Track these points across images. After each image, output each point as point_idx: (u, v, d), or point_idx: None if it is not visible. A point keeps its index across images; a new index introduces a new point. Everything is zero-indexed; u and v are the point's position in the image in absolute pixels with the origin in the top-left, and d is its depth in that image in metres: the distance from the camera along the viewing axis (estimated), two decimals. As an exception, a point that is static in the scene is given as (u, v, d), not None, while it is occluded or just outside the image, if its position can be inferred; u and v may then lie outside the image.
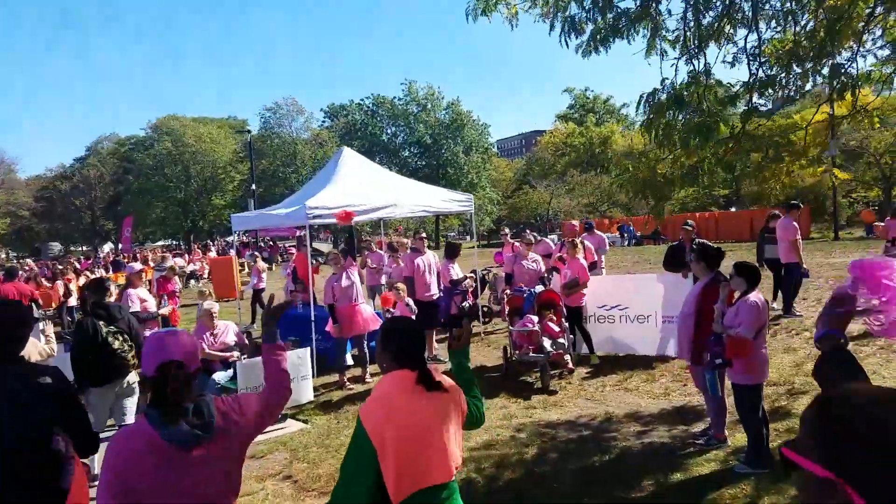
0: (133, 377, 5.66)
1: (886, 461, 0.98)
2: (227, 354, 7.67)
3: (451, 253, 9.03)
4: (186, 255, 30.28)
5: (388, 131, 59.15)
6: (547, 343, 7.77)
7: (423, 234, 9.92)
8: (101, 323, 5.40)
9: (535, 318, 7.97)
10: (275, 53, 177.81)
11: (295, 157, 49.17)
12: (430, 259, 9.26)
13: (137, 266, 8.27)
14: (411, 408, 2.45)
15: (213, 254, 31.53)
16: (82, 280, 16.13)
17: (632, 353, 8.94)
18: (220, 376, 7.47)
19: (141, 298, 8.16)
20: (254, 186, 36.97)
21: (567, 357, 8.02)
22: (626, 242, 38.97)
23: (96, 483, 2.33)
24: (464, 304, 8.88)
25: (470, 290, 9.04)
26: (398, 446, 2.36)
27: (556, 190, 50.48)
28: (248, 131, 41.68)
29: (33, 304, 11.28)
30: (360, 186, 10.50)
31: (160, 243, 58.90)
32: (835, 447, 1.03)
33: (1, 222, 55.85)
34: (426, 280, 9.05)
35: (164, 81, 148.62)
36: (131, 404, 5.72)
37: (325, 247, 57.64)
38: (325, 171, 11.41)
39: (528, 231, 10.52)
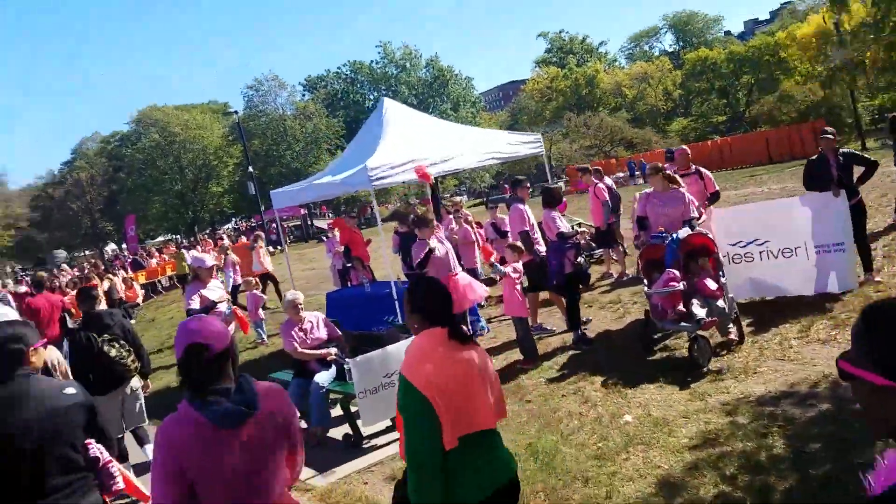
0: (136, 383, 5.73)
1: None
2: (324, 352, 6.23)
3: (552, 200, 7.38)
4: (198, 248, 28.59)
5: (371, 96, 57.11)
6: (698, 308, 5.96)
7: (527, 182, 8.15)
8: (94, 333, 5.39)
9: (682, 274, 6.20)
10: (242, 31, 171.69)
11: (285, 133, 46.87)
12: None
13: (209, 260, 6.88)
14: (451, 359, 2.51)
15: (227, 242, 30.03)
16: (106, 284, 15.00)
17: (783, 294, 7.39)
18: (323, 378, 6.04)
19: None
20: (251, 168, 34.94)
21: (731, 326, 6.28)
22: (642, 179, 37.60)
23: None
24: (579, 260, 7.24)
25: (584, 242, 7.42)
26: (446, 395, 2.41)
27: (554, 137, 48.64)
28: (235, 112, 39.22)
29: (66, 314, 10.66)
30: (418, 138, 8.87)
31: (160, 239, 56.92)
32: (888, 356, 1.06)
33: (4, 234, 53.65)
34: (533, 235, 7.50)
35: (135, 73, 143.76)
36: (140, 407, 5.77)
37: (325, 223, 56.23)
38: (368, 129, 9.70)
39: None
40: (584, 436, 4.98)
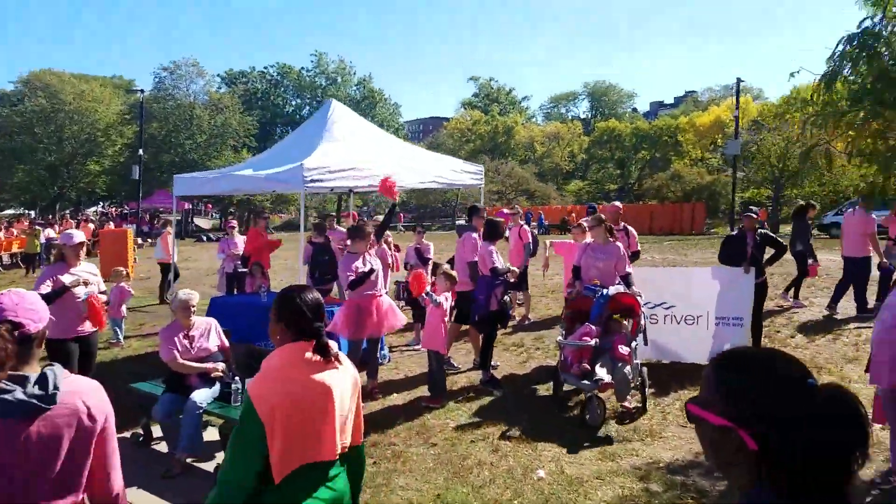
0: None
1: (766, 405, 1.11)
2: (210, 366, 5.47)
3: (494, 233, 7.20)
4: (56, 227, 26.02)
5: (293, 103, 55.93)
6: (600, 368, 5.84)
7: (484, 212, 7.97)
8: None
9: (597, 330, 6.16)
10: (165, 7, 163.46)
11: (191, 121, 44.44)
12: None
13: (78, 236, 5.62)
14: (306, 381, 2.33)
15: (91, 225, 27.78)
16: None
17: (680, 360, 7.59)
18: (202, 397, 5.29)
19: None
20: (141, 151, 33.01)
21: (631, 395, 6.12)
22: (537, 231, 38.84)
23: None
24: (505, 299, 7.08)
25: (512, 280, 7.27)
26: (288, 421, 2.24)
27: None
28: (141, 91, 36.80)
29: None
30: (362, 147, 8.51)
31: (11, 211, 50.70)
32: (728, 397, 1.16)
33: None
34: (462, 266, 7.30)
35: (38, 30, 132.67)
36: None
37: (206, 223, 53.75)
38: (307, 128, 9.20)
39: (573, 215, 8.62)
40: (496, 489, 4.70)
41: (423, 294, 6.72)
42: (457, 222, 45.57)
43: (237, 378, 5.41)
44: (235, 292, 11.02)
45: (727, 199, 38.95)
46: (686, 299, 7.66)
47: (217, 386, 5.49)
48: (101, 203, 57.09)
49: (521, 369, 7.80)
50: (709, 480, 4.77)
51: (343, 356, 2.52)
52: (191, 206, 42.02)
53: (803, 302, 10.79)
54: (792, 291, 10.74)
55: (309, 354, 2.35)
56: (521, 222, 10.56)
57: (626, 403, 6.16)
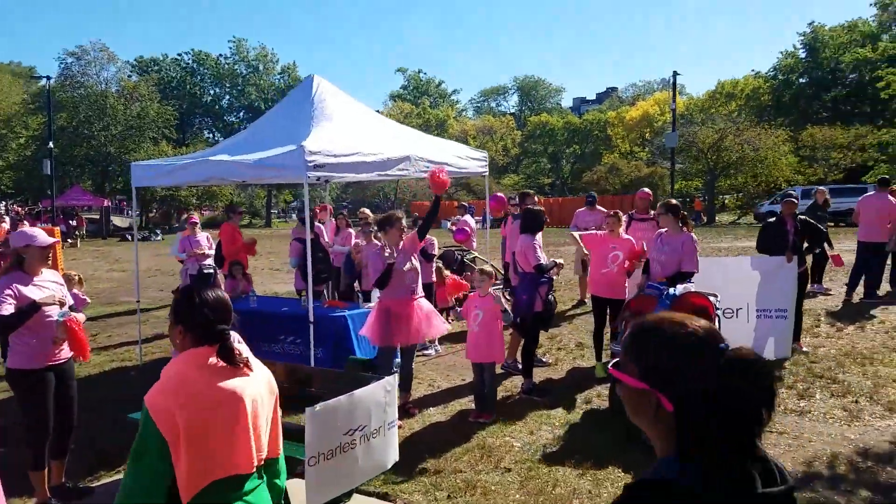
0: None
1: (679, 368, 1.19)
2: None
3: (534, 225, 6.38)
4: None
5: (211, 92, 53.24)
6: None
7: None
8: None
9: None
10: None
11: (104, 111, 41.15)
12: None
13: (42, 237, 4.09)
14: (212, 389, 2.10)
15: (6, 225, 25.02)
16: None
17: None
18: None
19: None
20: (51, 144, 30.55)
21: None
22: (481, 226, 38.41)
23: None
24: (549, 298, 6.30)
25: (556, 277, 6.51)
26: (195, 435, 2.02)
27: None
28: (47, 78, 33.72)
29: None
30: (362, 132, 7.52)
31: None
32: (644, 362, 1.23)
33: None
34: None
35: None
36: None
37: (123, 221, 50.43)
38: (291, 107, 8.02)
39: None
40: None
41: (454, 308, 5.88)
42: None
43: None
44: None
45: (665, 190, 39.67)
46: (724, 291, 7.10)
47: None
48: (5, 201, 52.70)
49: (554, 373, 7.08)
50: (841, 490, 4.19)
51: (256, 361, 2.30)
52: (110, 204, 38.97)
53: (826, 288, 10.68)
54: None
55: (213, 360, 2.14)
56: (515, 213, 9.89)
57: None
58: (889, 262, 10.24)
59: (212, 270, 10.02)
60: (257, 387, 2.25)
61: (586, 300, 10.59)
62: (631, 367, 1.26)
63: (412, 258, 5.90)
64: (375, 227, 9.51)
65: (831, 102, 48.99)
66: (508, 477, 4.62)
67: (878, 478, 4.42)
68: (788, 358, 7.03)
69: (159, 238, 33.22)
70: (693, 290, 5.73)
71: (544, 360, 7.35)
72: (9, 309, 3.95)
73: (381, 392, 4.28)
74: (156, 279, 16.31)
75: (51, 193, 33.11)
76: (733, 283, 7.14)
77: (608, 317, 6.97)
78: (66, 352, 4.35)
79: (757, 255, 7.51)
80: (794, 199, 7.52)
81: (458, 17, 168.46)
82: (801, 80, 52.37)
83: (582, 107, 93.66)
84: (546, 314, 6.33)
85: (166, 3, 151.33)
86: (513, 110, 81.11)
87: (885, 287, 10.26)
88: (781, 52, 55.25)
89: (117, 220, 48.09)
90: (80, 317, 4.37)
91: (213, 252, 9.94)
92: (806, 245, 7.46)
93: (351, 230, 10.27)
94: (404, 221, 6.11)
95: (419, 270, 5.98)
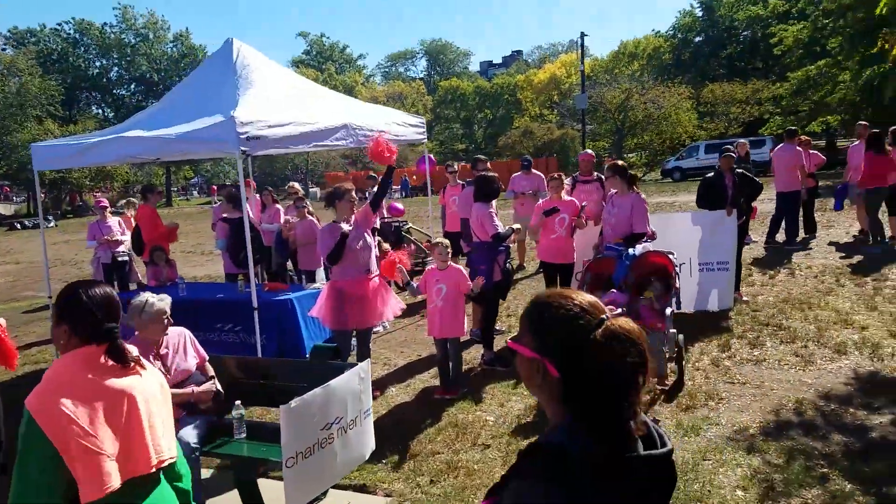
0: None
1: (563, 338, 1.27)
2: (200, 390, 4.00)
3: (489, 192, 6.13)
4: None
5: (98, 63, 49.59)
6: None
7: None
8: None
9: (625, 297, 5.35)
10: None
11: (-24, 90, 37.36)
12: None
13: None
14: (101, 389, 2.02)
15: None
16: None
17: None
18: (192, 434, 3.92)
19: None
20: None
21: (667, 366, 5.30)
22: (405, 194, 38.03)
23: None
24: (507, 266, 6.12)
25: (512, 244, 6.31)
26: (84, 439, 1.92)
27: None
28: None
29: None
30: (293, 100, 7.00)
31: None
32: (536, 333, 1.32)
33: None
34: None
35: None
36: None
37: (5, 208, 46.49)
38: (209, 74, 7.34)
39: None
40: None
41: (405, 282, 5.58)
42: (311, 189, 43.44)
43: (238, 402, 4.07)
44: (116, 286, 9.10)
45: (576, 151, 40.42)
46: (668, 247, 7.21)
47: (203, 417, 4.08)
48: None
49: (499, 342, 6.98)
50: (815, 435, 4.28)
51: (145, 361, 2.24)
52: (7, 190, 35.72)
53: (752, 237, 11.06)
54: None
55: (103, 360, 2.07)
56: (460, 181, 9.67)
57: (664, 380, 5.38)
58: (802, 209, 10.70)
59: (127, 258, 9.30)
60: (150, 386, 2.18)
61: (525, 265, 10.56)
62: (526, 339, 1.34)
63: (366, 234, 5.55)
64: (308, 203, 9.11)
65: (727, 59, 51.14)
66: (489, 454, 4.46)
67: (844, 420, 4.56)
68: (731, 308, 7.21)
69: (51, 224, 30.71)
70: (650, 248, 5.70)
71: (497, 327, 7.22)
72: None
73: (356, 380, 3.99)
74: (57, 270, 15.05)
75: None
76: (676, 237, 7.20)
77: (559, 282, 6.87)
78: None
79: (697, 210, 7.60)
80: (731, 154, 7.64)
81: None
82: (698, 39, 54.39)
83: (489, 70, 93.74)
84: (505, 283, 6.17)
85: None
86: (422, 75, 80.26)
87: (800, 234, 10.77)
88: (680, 12, 57.14)
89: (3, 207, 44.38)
90: (2, 321, 3.80)
91: (126, 238, 9.20)
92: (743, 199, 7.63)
93: (278, 206, 9.73)
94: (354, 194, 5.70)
95: (372, 247, 5.63)
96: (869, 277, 7.99)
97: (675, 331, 5.44)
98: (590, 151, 8.14)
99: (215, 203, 23.77)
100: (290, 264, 9.21)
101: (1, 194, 50.68)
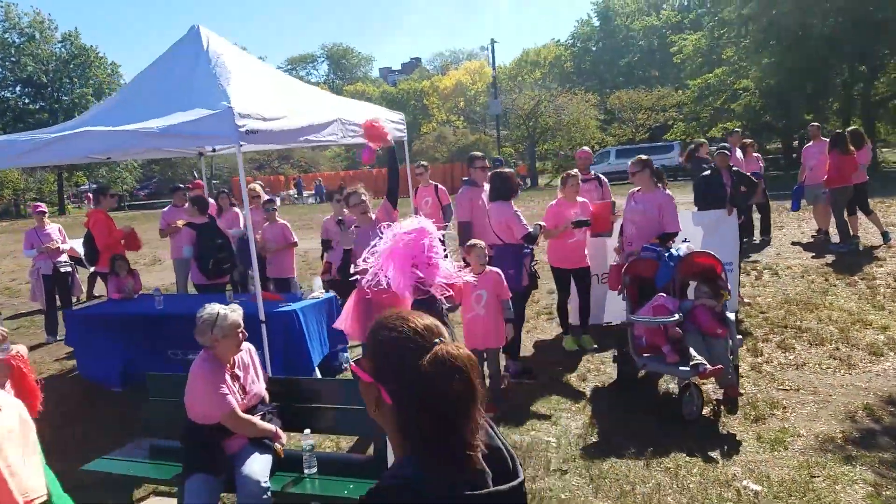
0: None
1: (394, 363, 1.22)
2: (270, 428, 3.47)
3: (508, 190, 5.63)
4: None
5: (-22, 66, 45.19)
6: (695, 350, 4.65)
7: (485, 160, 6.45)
8: None
9: (674, 302, 5.01)
10: None
11: None
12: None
13: None
14: None
15: None
16: None
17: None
18: (260, 468, 3.32)
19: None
20: None
21: (738, 376, 4.90)
22: (319, 199, 36.84)
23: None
24: (533, 269, 5.64)
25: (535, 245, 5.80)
26: None
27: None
28: None
29: None
30: (276, 94, 6.25)
31: None
32: (371, 357, 1.28)
33: None
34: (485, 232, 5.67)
35: None
36: None
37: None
38: (179, 64, 6.38)
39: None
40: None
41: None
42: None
43: (308, 430, 3.45)
44: (59, 301, 7.97)
45: (489, 157, 40.62)
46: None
47: (267, 448, 3.44)
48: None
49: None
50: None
51: (1, 395, 2.12)
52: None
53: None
54: None
55: None
56: (432, 182, 9.11)
57: (738, 389, 4.91)
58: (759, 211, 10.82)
59: (69, 269, 8.14)
60: (5, 421, 1.99)
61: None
62: (365, 362, 1.29)
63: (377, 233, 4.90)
64: (277, 206, 8.28)
65: (626, 67, 53.36)
66: (572, 480, 3.96)
67: (923, 423, 4.41)
68: (738, 310, 7.05)
69: None
70: (695, 249, 5.40)
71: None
72: None
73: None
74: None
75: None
76: (676, 239, 7.03)
77: (574, 288, 6.44)
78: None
79: (698, 211, 7.44)
80: (726, 151, 7.56)
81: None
82: (595, 48, 56.43)
83: (389, 77, 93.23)
84: (532, 288, 5.70)
85: None
86: (323, 79, 78.68)
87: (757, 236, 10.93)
88: (578, 21, 59.10)
89: None
90: (23, 350, 2.94)
91: (67, 246, 8.05)
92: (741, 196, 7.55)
93: (236, 210, 8.81)
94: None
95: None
96: (856, 276, 8.10)
97: (741, 337, 5.17)
98: (586, 149, 7.80)
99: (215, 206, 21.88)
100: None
101: None
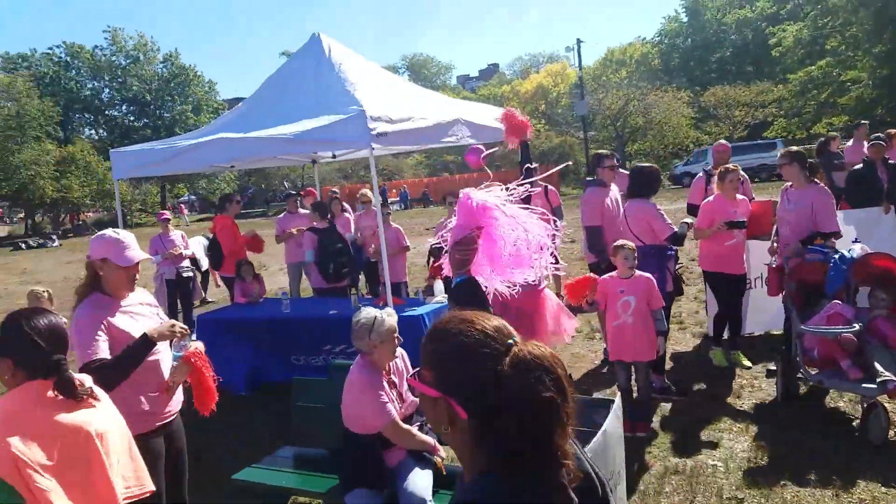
0: None
1: (466, 370, 1.09)
2: (429, 441, 3.28)
3: (649, 186, 5.29)
4: None
5: (90, 86, 48.57)
6: (881, 364, 4.12)
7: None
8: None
9: (851, 309, 4.50)
10: None
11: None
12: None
13: (135, 247, 2.65)
14: (53, 426, 1.91)
15: None
16: None
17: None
18: (424, 485, 3.17)
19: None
20: None
21: None
22: (404, 206, 37.22)
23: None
24: (678, 271, 5.26)
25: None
26: (42, 482, 1.81)
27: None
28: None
29: None
30: (403, 95, 6.20)
31: None
32: (435, 366, 1.13)
33: None
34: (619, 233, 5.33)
35: None
36: None
37: (1, 229, 45.07)
38: (301, 70, 6.39)
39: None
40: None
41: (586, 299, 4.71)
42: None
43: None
44: (179, 304, 8.19)
45: (579, 160, 39.93)
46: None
47: (428, 465, 3.29)
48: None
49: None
50: None
51: (101, 391, 2.09)
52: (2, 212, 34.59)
53: None
54: None
55: (51, 394, 1.94)
56: (541, 183, 8.78)
57: None
58: None
59: (191, 273, 8.41)
60: (107, 419, 2.05)
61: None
62: (427, 374, 1.16)
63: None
64: (391, 210, 8.22)
65: (718, 63, 51.22)
66: (753, 512, 3.57)
67: None
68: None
69: (56, 244, 29.92)
70: (868, 250, 4.86)
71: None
72: (102, 347, 2.63)
73: (618, 422, 3.12)
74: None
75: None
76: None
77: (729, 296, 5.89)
78: (175, 403, 2.99)
79: (849, 210, 6.78)
80: (882, 142, 6.87)
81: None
82: (685, 44, 54.52)
83: (467, 83, 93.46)
84: (678, 294, 5.31)
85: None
86: (405, 89, 79.87)
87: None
88: (665, 18, 57.31)
89: (-1, 228, 43.30)
90: (201, 347, 2.92)
91: (190, 252, 8.30)
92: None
93: (348, 215, 8.82)
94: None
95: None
96: None
97: None
98: (724, 142, 7.28)
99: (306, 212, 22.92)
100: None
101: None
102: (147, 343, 2.67)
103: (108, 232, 2.87)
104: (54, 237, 32.19)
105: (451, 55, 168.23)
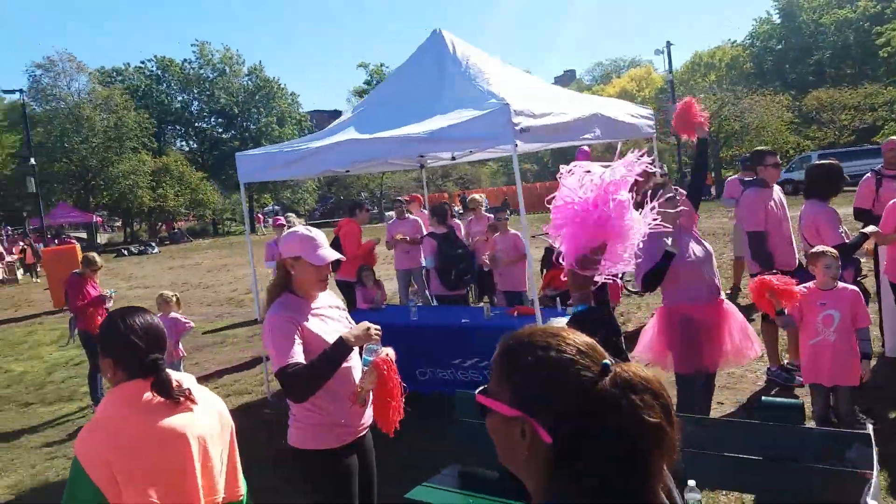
0: None
1: (554, 389, 0.98)
2: None
3: (829, 186, 4.71)
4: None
5: (180, 98, 50.75)
6: None
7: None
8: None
9: None
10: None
11: (81, 123, 38.37)
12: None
13: (327, 247, 2.60)
14: (149, 428, 1.86)
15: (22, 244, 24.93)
16: None
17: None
18: None
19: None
20: (33, 160, 28.37)
21: None
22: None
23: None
24: (861, 280, 4.65)
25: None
26: (133, 483, 1.78)
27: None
28: (21, 91, 31.03)
29: None
30: (536, 90, 5.79)
31: None
32: (516, 384, 1.02)
33: None
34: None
35: None
36: None
37: (103, 237, 47.74)
38: (425, 68, 6.08)
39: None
40: None
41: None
42: (386, 213, 42.55)
43: (693, 483, 2.76)
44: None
45: (671, 167, 38.62)
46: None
47: None
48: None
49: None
50: None
51: (202, 392, 2.04)
52: (101, 220, 36.69)
53: None
54: None
55: (149, 395, 1.89)
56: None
57: None
58: None
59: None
60: (205, 422, 1.98)
61: (742, 287, 8.94)
62: (503, 391, 1.03)
63: (697, 239, 4.16)
64: (508, 216, 7.80)
65: (816, 66, 48.58)
66: None
67: None
68: None
69: (156, 251, 31.52)
70: None
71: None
72: (299, 354, 2.46)
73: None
74: (194, 294, 14.43)
75: (39, 212, 30.97)
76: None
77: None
78: (368, 416, 2.75)
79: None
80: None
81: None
82: (778, 46, 52.05)
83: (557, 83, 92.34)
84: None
85: (121, 9, 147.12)
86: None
87: None
88: (755, 20, 54.92)
89: (99, 237, 45.75)
90: (391, 353, 2.58)
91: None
92: None
93: (457, 220, 8.48)
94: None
95: (712, 261, 4.19)
96: None
97: None
98: (894, 138, 6.53)
99: (389, 219, 23.48)
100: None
101: (96, 224, 52.53)
102: (344, 347, 2.48)
103: (301, 229, 2.68)
104: (153, 244, 33.78)
105: (528, 63, 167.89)
